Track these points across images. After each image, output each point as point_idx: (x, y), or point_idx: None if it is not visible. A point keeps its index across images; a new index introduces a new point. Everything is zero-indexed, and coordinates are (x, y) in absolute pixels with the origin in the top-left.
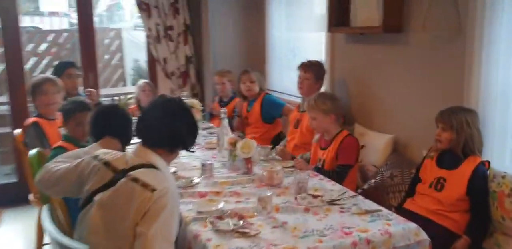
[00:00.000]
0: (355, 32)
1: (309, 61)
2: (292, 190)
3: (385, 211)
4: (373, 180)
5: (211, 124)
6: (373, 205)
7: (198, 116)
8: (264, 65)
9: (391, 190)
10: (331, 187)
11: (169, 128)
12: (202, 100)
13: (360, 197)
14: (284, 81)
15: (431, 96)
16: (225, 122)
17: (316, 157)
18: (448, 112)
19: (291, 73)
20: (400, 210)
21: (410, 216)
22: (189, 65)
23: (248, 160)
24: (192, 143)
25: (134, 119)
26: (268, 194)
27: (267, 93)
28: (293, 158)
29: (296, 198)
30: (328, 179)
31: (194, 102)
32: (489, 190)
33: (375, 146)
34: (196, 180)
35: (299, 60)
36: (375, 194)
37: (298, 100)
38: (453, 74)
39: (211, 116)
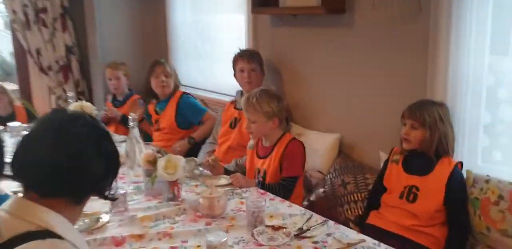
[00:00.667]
0: (285, 13)
1: (248, 50)
2: (242, 221)
3: (368, 240)
4: (321, 190)
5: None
6: (350, 233)
7: None
8: (166, 54)
9: (345, 200)
10: (289, 210)
11: (66, 165)
12: (90, 99)
13: (331, 223)
14: (192, 74)
15: (384, 88)
16: (136, 131)
17: (254, 167)
18: (418, 106)
19: (200, 64)
20: (363, 226)
21: (379, 233)
22: (70, 57)
23: (173, 183)
24: (109, 184)
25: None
26: (223, 239)
27: (185, 93)
28: (226, 171)
29: (252, 234)
30: (277, 197)
31: (85, 105)
32: (468, 197)
33: (318, 148)
34: (104, 217)
35: (210, 48)
36: (326, 206)
37: (212, 96)
38: (413, 61)
39: (106, 121)
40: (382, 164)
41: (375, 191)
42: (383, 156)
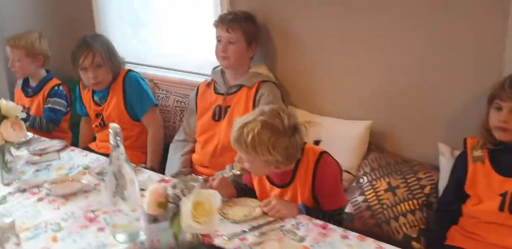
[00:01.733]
0: None
1: (233, 13)
2: None
3: None
4: (359, 197)
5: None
6: None
7: (20, 134)
8: (90, 23)
9: (398, 211)
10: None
11: None
12: None
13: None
14: (128, 46)
15: (433, 55)
16: (121, 151)
17: (267, 196)
18: None
19: (142, 32)
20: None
21: None
22: None
23: (205, 236)
24: None
25: None
26: None
27: (131, 70)
28: (239, 189)
29: None
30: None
31: (7, 107)
32: None
33: (341, 141)
34: None
35: (152, 11)
36: (371, 220)
37: (160, 74)
38: (481, 18)
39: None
40: (441, 159)
41: (449, 199)
42: (445, 150)
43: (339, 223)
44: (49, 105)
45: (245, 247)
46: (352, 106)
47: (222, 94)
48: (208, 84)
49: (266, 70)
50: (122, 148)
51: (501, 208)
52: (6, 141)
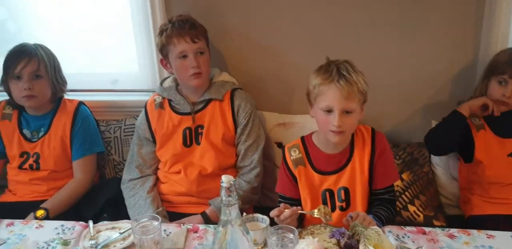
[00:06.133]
0: None
1: (184, 19)
2: None
3: None
4: None
5: None
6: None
7: None
8: None
9: (410, 195)
10: None
11: None
12: None
13: None
14: None
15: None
16: (237, 211)
17: (318, 192)
18: None
19: None
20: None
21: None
22: None
23: None
24: None
25: None
26: None
27: (81, 102)
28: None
29: None
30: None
31: None
32: None
33: None
34: None
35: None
36: None
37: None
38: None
39: None
40: None
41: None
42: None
43: (393, 202)
44: None
45: None
46: None
47: (187, 114)
48: (161, 105)
49: (228, 77)
50: (237, 210)
51: None
52: None
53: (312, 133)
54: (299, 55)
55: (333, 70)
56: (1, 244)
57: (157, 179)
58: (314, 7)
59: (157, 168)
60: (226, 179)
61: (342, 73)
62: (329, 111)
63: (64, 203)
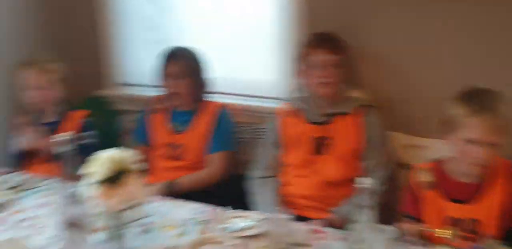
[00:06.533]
0: None
1: (327, 33)
2: None
3: None
4: None
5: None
6: None
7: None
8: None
9: None
10: None
11: None
12: None
13: None
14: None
15: None
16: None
17: (440, 217)
18: None
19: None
20: None
21: None
22: None
23: None
24: None
25: None
26: None
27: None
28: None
29: None
30: None
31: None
32: None
33: None
34: None
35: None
36: None
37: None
38: None
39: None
40: None
41: None
42: None
43: None
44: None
45: None
46: None
47: (317, 124)
48: (294, 113)
49: (362, 94)
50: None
51: None
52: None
53: (445, 158)
54: (437, 78)
55: (481, 101)
56: (143, 218)
57: (279, 181)
58: (465, 33)
59: (280, 171)
60: (368, 181)
61: (489, 105)
62: (471, 141)
63: (189, 185)
